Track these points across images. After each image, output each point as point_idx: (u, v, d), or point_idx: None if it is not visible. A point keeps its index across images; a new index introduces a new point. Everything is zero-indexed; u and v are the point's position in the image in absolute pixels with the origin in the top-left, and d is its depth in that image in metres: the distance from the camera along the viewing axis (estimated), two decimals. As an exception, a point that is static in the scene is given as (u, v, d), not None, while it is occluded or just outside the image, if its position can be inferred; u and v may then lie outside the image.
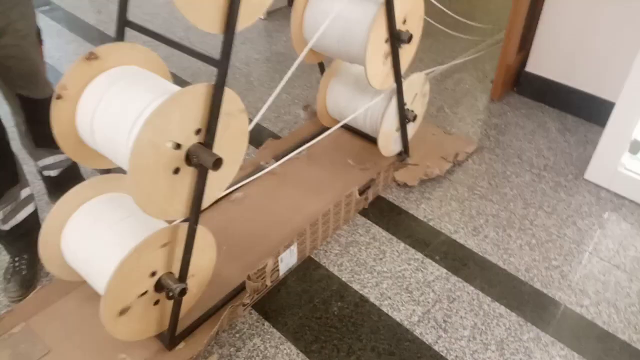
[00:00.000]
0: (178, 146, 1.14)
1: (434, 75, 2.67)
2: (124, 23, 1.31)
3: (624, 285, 1.64)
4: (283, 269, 1.63)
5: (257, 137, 2.24)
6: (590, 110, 2.33)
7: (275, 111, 2.43)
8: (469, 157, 2.16)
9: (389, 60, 1.73)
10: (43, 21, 3.03)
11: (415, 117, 1.98)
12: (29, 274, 1.62)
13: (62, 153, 1.72)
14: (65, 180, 1.78)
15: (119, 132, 1.15)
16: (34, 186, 1.95)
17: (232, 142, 1.26)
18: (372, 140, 2.06)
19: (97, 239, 1.33)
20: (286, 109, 2.45)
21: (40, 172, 1.77)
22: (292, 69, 1.52)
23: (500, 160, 2.15)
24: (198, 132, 1.17)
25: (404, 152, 2.09)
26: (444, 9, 2.62)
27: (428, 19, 2.80)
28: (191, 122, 1.14)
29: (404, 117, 1.94)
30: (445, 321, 1.53)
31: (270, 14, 3.25)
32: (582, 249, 1.77)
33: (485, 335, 1.49)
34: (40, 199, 1.91)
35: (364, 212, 1.90)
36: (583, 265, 1.71)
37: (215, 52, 1.10)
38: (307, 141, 1.95)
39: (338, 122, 2.04)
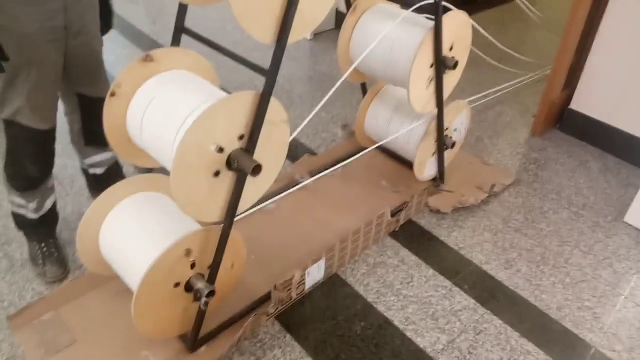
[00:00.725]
0: (221, 150, 1.17)
1: (475, 106, 2.65)
2: (180, 30, 1.36)
3: (660, 334, 1.58)
4: (309, 282, 1.64)
5: (294, 152, 2.27)
6: (634, 153, 2.28)
7: (314, 128, 2.47)
8: (506, 189, 2.13)
9: (432, 85, 1.74)
10: (100, 26, 3.20)
11: (453, 144, 1.97)
12: (61, 254, 1.69)
13: (108, 151, 1.79)
14: (109, 178, 1.83)
15: (167, 131, 1.19)
16: (77, 182, 2.03)
17: (272, 151, 1.29)
18: (407, 164, 2.06)
19: (133, 235, 1.37)
20: (324, 126, 2.48)
21: (86, 170, 1.84)
22: (336, 85, 1.56)
23: (537, 195, 2.11)
24: (241, 137, 1.20)
25: (439, 178, 2.08)
26: (492, 40, 2.63)
27: (474, 49, 2.81)
28: (236, 128, 1.18)
29: (443, 142, 1.94)
30: (470, 352, 1.49)
31: (317, 35, 3.32)
32: (617, 292, 1.71)
33: (511, 370, 1.45)
34: (81, 194, 1.98)
35: (394, 235, 1.89)
36: (617, 309, 1.65)
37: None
38: (343, 159, 1.97)
39: (375, 142, 2.06)
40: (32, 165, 1.56)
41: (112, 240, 1.39)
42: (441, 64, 1.68)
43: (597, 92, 2.34)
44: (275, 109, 1.23)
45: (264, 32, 1.12)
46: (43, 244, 1.67)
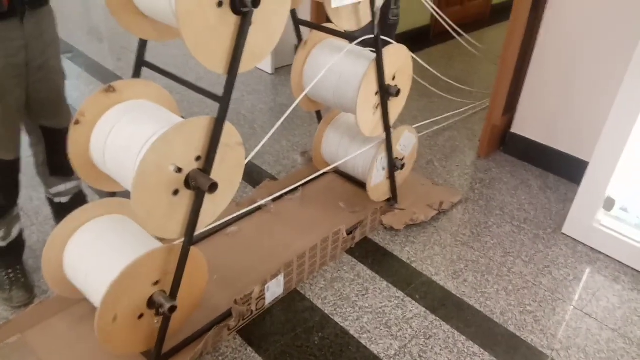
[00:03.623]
0: (179, 170, 1.27)
1: (427, 133, 2.83)
2: (141, 63, 1.48)
3: (594, 332, 1.71)
4: (269, 297, 1.72)
5: (256, 178, 2.38)
6: (570, 170, 2.47)
7: (275, 156, 2.59)
8: (454, 207, 2.28)
9: (379, 111, 1.90)
10: (66, 65, 3.29)
11: (403, 166, 2.12)
12: (27, 280, 1.74)
13: (72, 181, 1.87)
14: (73, 206, 1.89)
15: (128, 155, 1.29)
16: (42, 213, 2.08)
17: (228, 172, 1.39)
18: (363, 186, 2.19)
19: (96, 255, 1.44)
20: (285, 154, 2.61)
21: (51, 199, 1.90)
22: (289, 110, 1.69)
23: (483, 212, 2.27)
24: (198, 159, 1.30)
25: (393, 199, 2.21)
26: (436, 72, 2.84)
27: (424, 83, 3.01)
28: (192, 150, 1.28)
29: (393, 164, 2.08)
30: (420, 356, 1.59)
31: (278, 69, 3.49)
32: (556, 297, 1.85)
33: (458, 371, 1.56)
34: (47, 224, 2.03)
35: (350, 252, 2.00)
36: (556, 312, 1.78)
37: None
38: (302, 184, 2.09)
39: (328, 165, 2.19)
40: None
41: (76, 261, 1.46)
42: (385, 92, 1.84)
43: (534, 116, 2.55)
44: (229, 133, 1.35)
45: (216, 63, 1.24)
46: (10, 270, 1.72)
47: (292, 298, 1.78)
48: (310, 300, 1.77)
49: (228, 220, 1.96)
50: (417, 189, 2.36)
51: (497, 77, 2.51)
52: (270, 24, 1.30)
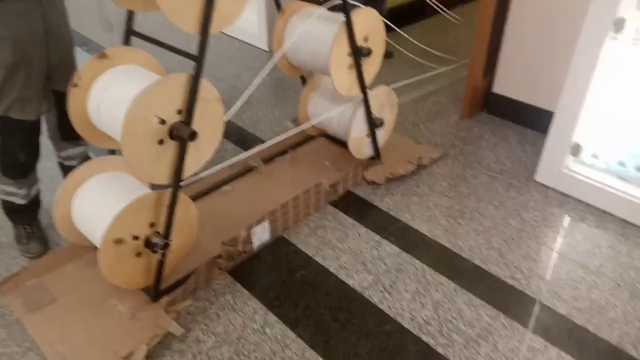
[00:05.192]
0: (163, 122, 1.46)
1: (413, 98, 2.98)
2: (129, 32, 1.67)
3: (556, 264, 1.86)
4: (256, 242, 1.91)
5: (250, 144, 2.56)
6: (547, 125, 2.59)
7: (268, 124, 2.77)
8: (434, 162, 2.43)
9: (354, 72, 2.06)
10: (83, 56, 3.54)
11: (382, 123, 2.28)
12: (42, 234, 1.96)
13: (81, 146, 2.08)
14: (81, 169, 2.12)
15: (119, 111, 1.48)
16: (55, 180, 2.30)
17: (208, 125, 1.58)
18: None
19: (98, 203, 1.65)
20: (276, 122, 2.79)
21: (62, 164, 2.12)
22: (265, 70, 1.86)
23: (461, 165, 2.41)
24: (179, 112, 1.49)
25: (376, 157, 2.37)
26: (422, 46, 2.98)
27: (408, 54, 3.14)
28: (174, 103, 1.47)
29: (372, 123, 2.24)
30: (391, 286, 1.77)
31: (274, 47, 3.66)
32: (522, 235, 1.99)
33: (425, 297, 1.72)
34: (60, 189, 2.25)
35: (334, 204, 2.17)
36: (521, 247, 1.93)
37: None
38: (292, 147, 2.27)
39: (317, 129, 2.37)
40: (23, 154, 1.84)
41: (81, 209, 1.67)
42: (357, 52, 2.00)
43: (514, 75, 2.67)
44: (207, 89, 1.53)
45: (189, 25, 1.42)
46: (27, 226, 1.95)
47: (278, 243, 1.97)
48: (295, 245, 1.96)
49: (223, 180, 2.17)
50: (400, 148, 2.51)
51: (475, 38, 2.63)
52: (235, -12, 1.48)
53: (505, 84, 2.73)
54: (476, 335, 1.59)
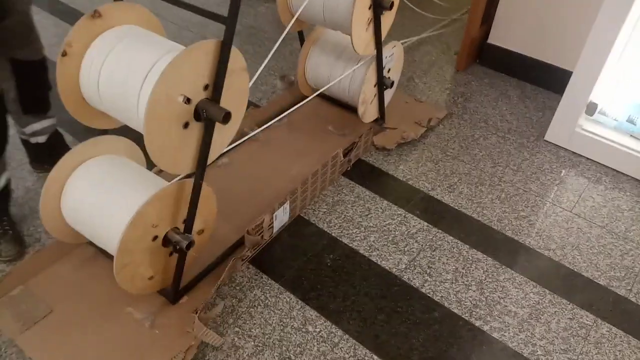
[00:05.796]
0: (188, 101, 1.19)
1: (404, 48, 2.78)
2: (124, -17, 1.33)
3: (585, 231, 1.82)
4: (277, 226, 1.71)
5: (237, 106, 2.28)
6: (548, 79, 2.52)
7: (253, 82, 2.48)
8: (440, 123, 2.30)
9: (371, 27, 1.82)
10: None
11: (392, 84, 2.09)
12: (15, 232, 1.64)
13: (48, 118, 1.73)
14: (52, 146, 1.78)
15: (129, 87, 1.19)
16: (15, 157, 1.93)
17: (234, 99, 1.32)
18: (349, 108, 2.15)
19: (101, 198, 1.37)
20: (263, 79, 2.50)
21: (26, 141, 1.76)
22: (281, 38, 1.60)
23: (468, 125, 2.29)
24: (206, 87, 1.22)
25: (381, 119, 2.19)
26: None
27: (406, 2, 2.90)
28: (200, 78, 1.20)
29: (383, 83, 2.04)
30: (429, 267, 1.66)
31: (238, -12, 3.26)
32: (545, 200, 1.94)
33: (466, 277, 1.63)
34: (23, 169, 1.90)
35: (347, 174, 2.00)
36: (548, 215, 1.88)
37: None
38: (287, 109, 2.02)
39: (316, 90, 2.13)
40: None
41: (77, 203, 1.38)
42: (379, 5, 1.76)
43: (511, 25, 2.54)
44: (235, 58, 1.26)
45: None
46: (-5, 223, 1.62)
47: (298, 224, 1.78)
48: (316, 224, 1.78)
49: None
50: (402, 107, 2.34)
51: (476, -13, 2.45)
52: None
53: (502, 34, 2.60)
54: (528, 315, 1.53)
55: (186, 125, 1.22)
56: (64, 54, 1.23)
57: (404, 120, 2.25)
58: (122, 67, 1.21)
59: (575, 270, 1.68)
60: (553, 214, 1.89)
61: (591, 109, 2.10)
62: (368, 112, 2.10)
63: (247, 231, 1.57)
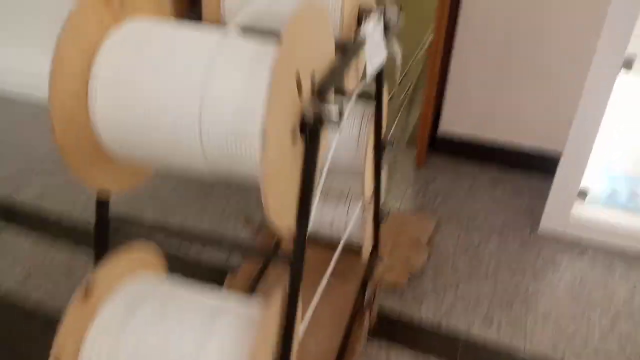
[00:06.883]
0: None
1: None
2: None
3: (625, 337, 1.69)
4: None
5: (206, 276, 1.87)
6: (510, 157, 2.46)
7: (213, 233, 2.08)
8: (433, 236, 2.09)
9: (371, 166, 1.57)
10: None
11: (388, 214, 1.84)
12: None
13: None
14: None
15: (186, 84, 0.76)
16: None
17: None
18: (334, 248, 1.85)
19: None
20: (220, 225, 2.11)
21: None
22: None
23: (462, 231, 2.11)
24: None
25: (375, 250, 1.92)
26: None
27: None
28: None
29: (379, 215, 1.79)
30: None
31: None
32: (585, 309, 1.78)
33: None
34: None
35: (371, 332, 1.68)
36: (595, 326, 1.72)
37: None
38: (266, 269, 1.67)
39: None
40: None
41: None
42: (382, 148, 1.52)
43: (461, 110, 2.46)
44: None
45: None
46: None
47: None
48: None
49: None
50: (384, 226, 2.09)
51: (427, 82, 2.33)
52: None
53: (453, 120, 2.51)
54: None
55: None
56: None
57: (400, 244, 2.00)
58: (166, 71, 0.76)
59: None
60: (600, 324, 1.73)
61: (583, 193, 2.04)
62: (364, 247, 1.82)
63: None
